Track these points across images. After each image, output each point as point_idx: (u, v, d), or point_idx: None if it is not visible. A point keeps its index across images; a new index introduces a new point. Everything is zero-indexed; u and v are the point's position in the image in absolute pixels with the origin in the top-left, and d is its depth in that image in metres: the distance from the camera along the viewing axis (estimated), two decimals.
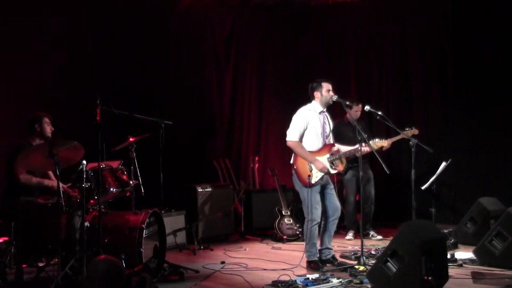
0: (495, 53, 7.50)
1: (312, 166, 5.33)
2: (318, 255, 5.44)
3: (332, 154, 5.43)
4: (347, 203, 7.14)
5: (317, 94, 5.49)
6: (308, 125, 5.41)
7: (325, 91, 5.46)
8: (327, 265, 5.42)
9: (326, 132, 5.50)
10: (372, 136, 6.72)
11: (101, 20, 6.93)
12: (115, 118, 5.01)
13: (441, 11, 8.17)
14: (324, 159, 5.38)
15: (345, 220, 7.23)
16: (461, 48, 7.90)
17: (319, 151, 5.42)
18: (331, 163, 5.40)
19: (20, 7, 6.30)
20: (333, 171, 5.43)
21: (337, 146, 5.51)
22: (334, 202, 5.49)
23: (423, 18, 8.34)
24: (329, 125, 5.56)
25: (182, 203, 7.14)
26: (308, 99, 5.59)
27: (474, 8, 7.70)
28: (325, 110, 5.53)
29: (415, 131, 6.04)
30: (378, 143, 5.86)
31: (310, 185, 5.27)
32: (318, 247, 5.48)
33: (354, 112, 6.83)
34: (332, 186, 5.54)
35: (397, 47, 8.56)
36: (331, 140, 5.56)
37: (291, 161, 5.47)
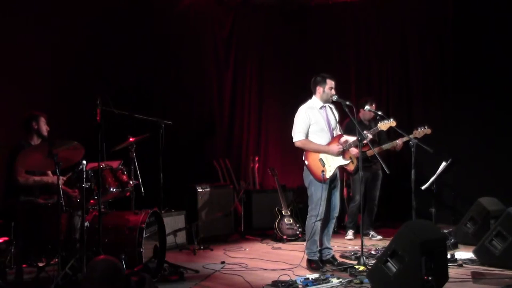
0: (495, 53, 7.50)
1: (324, 161, 5.33)
2: (319, 254, 5.45)
3: (341, 145, 5.42)
4: (352, 202, 7.13)
5: (319, 89, 5.48)
6: (311, 122, 5.40)
7: (328, 88, 5.45)
8: (327, 265, 5.43)
9: (332, 124, 5.49)
10: (387, 137, 6.77)
11: (102, 20, 6.92)
12: (115, 118, 5.01)
13: (441, 11, 8.17)
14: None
15: (347, 218, 7.23)
16: (461, 48, 7.90)
17: (329, 144, 5.42)
18: (341, 153, 5.40)
19: (20, 7, 6.29)
20: (346, 161, 5.42)
21: (345, 137, 5.46)
22: (335, 201, 5.50)
23: (423, 18, 8.35)
24: (334, 116, 5.55)
25: (182, 203, 7.14)
26: (308, 96, 5.59)
27: (474, 8, 7.70)
28: (326, 105, 5.53)
29: (427, 131, 6.04)
30: (386, 124, 5.83)
31: (325, 180, 5.28)
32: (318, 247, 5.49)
33: (368, 112, 6.79)
34: (338, 184, 5.55)
35: (397, 47, 8.57)
36: (338, 131, 5.56)
37: (303, 157, 5.46)
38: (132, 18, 7.25)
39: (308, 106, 5.49)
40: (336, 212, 5.52)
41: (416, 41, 8.40)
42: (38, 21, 6.42)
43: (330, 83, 5.47)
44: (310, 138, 5.41)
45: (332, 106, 5.57)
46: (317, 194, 5.30)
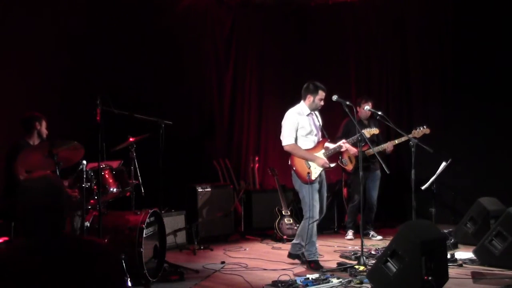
0: (495, 53, 7.50)
1: (310, 162, 5.37)
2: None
3: (326, 150, 5.49)
4: (351, 202, 7.13)
5: (310, 97, 5.51)
6: (299, 126, 5.45)
7: (318, 99, 5.49)
8: (295, 259, 5.56)
9: (317, 129, 5.56)
10: (381, 138, 6.80)
11: (101, 20, 6.92)
12: (115, 118, 5.01)
13: (441, 11, 8.18)
14: (320, 155, 5.46)
15: (347, 218, 7.23)
16: (461, 48, 7.90)
17: (314, 148, 5.49)
18: (328, 158, 5.48)
19: (20, 7, 6.29)
20: (333, 165, 5.52)
21: (327, 144, 5.55)
22: (322, 203, 5.53)
23: (423, 18, 8.35)
24: (319, 122, 5.61)
25: (182, 203, 7.14)
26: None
27: (474, 8, 7.70)
28: (311, 112, 5.58)
29: (426, 130, 6.06)
30: (371, 131, 6.11)
31: (311, 182, 5.30)
32: (301, 242, 5.44)
33: (365, 111, 6.80)
34: (324, 185, 5.59)
35: (397, 47, 8.56)
36: (323, 136, 5.61)
37: (289, 162, 5.50)
38: (132, 18, 7.24)
39: (296, 111, 5.53)
40: (322, 214, 5.54)
41: (416, 41, 8.40)
42: (38, 20, 6.41)
43: (322, 94, 5.50)
44: (298, 142, 5.46)
45: (317, 112, 5.62)
46: (308, 196, 5.33)
